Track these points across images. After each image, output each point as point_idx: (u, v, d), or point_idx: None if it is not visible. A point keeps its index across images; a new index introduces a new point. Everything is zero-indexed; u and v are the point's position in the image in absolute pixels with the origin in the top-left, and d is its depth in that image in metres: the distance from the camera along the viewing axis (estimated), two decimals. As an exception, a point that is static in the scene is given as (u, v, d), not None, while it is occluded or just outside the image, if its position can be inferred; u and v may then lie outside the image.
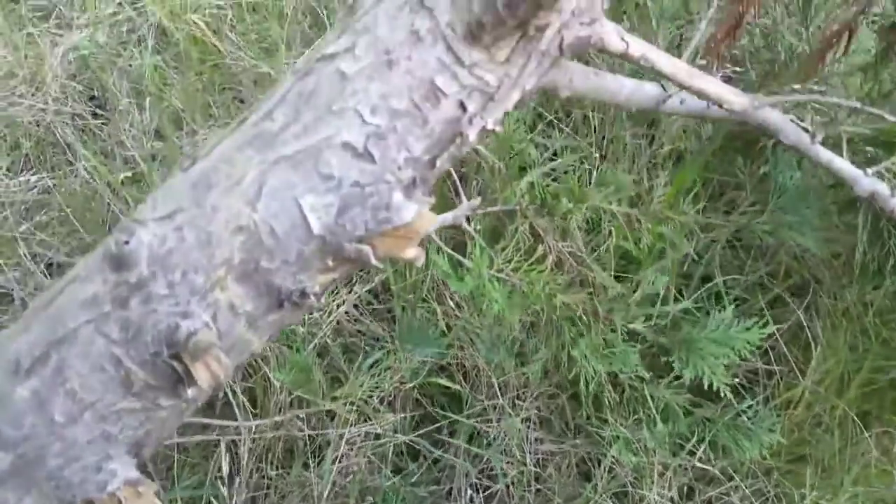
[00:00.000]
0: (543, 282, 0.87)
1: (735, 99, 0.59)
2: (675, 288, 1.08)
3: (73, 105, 1.40)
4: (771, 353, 1.07)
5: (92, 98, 1.43)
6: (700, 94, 0.59)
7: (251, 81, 1.31)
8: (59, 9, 1.54)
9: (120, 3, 1.50)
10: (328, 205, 0.49)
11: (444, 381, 1.08)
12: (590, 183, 1.04)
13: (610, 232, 0.97)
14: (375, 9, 0.49)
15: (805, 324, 1.05)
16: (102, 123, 1.39)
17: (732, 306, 0.85)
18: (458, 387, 1.10)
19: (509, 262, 0.89)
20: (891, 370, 1.04)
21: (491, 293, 0.82)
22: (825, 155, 0.66)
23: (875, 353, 1.02)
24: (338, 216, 0.50)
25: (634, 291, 0.98)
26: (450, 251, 0.86)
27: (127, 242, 0.49)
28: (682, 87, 0.59)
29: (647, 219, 0.88)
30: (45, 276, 1.18)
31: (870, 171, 0.68)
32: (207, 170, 0.50)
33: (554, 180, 0.99)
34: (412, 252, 0.51)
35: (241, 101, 1.33)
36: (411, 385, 1.07)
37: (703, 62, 0.66)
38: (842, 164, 0.67)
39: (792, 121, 0.63)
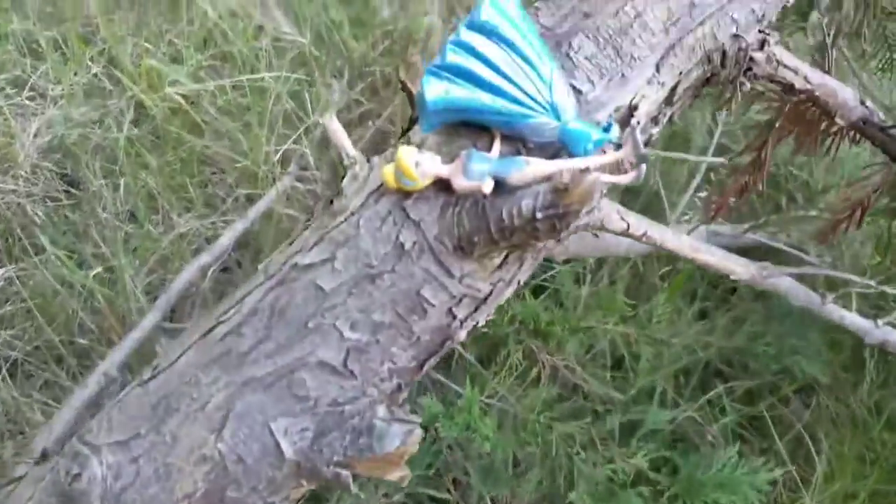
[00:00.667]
0: (538, 410, 0.82)
1: (741, 270, 0.55)
2: (675, 390, 1.04)
3: (45, 184, 1.34)
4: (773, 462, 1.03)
5: (64, 176, 1.37)
6: (705, 266, 0.55)
7: (230, 166, 1.26)
8: (33, 79, 1.48)
9: (95, 75, 1.45)
10: (303, 429, 0.44)
11: (433, 492, 1.03)
12: (584, 286, 1.00)
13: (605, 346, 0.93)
14: (357, 216, 0.44)
15: (805, 435, 1.00)
16: (75, 204, 1.33)
17: (737, 444, 0.80)
18: (447, 495, 1.05)
19: (503, 383, 0.85)
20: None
21: (482, 430, 0.78)
22: (836, 312, 0.63)
23: (882, 464, 0.98)
24: (314, 441, 0.45)
25: (633, 400, 0.94)
26: (442, 378, 0.82)
27: (78, 475, 0.43)
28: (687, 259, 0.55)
29: (643, 339, 0.83)
30: (8, 380, 1.12)
31: (880, 322, 0.65)
32: (169, 390, 0.45)
33: (547, 293, 0.95)
34: (397, 473, 0.46)
35: (213, 186, 1.28)
36: (397, 498, 1.02)
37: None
38: (852, 319, 0.64)
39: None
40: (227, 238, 1.02)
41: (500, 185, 0.40)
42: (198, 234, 1.23)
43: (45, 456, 0.57)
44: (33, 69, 1.40)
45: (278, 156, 1.21)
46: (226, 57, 1.37)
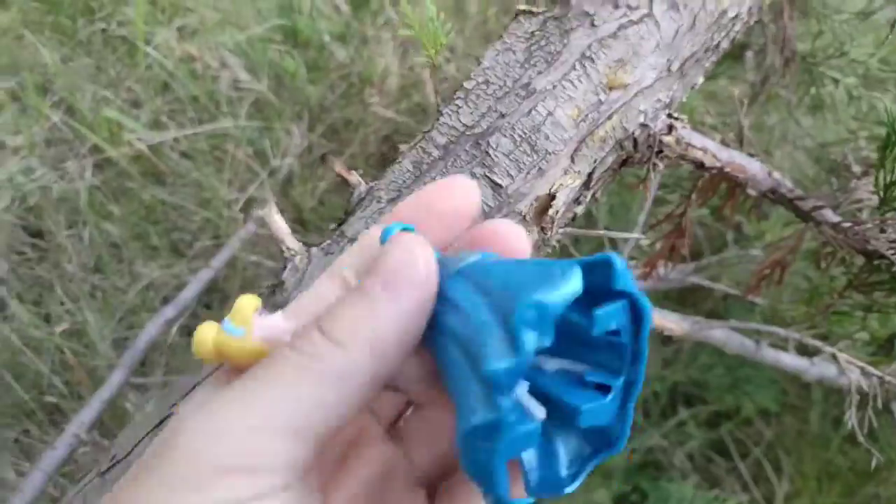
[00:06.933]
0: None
1: (676, 326, 0.58)
2: (643, 416, 1.06)
3: (9, 237, 1.34)
4: (737, 484, 1.06)
5: (27, 229, 1.37)
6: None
7: (194, 213, 1.27)
8: (-9, 132, 1.48)
9: (55, 125, 1.45)
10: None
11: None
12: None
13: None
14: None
15: (762, 458, 1.03)
16: (41, 257, 1.33)
17: (692, 476, 0.83)
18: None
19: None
20: (859, 492, 1.03)
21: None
22: (771, 356, 0.65)
23: (842, 479, 1.01)
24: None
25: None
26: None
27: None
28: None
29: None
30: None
31: (816, 359, 0.68)
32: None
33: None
34: None
35: (178, 232, 1.28)
36: None
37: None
38: (788, 361, 0.67)
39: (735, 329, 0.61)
40: (190, 291, 1.03)
41: None
42: (164, 283, 1.24)
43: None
44: (-8, 121, 1.40)
45: (241, 203, 1.22)
46: (184, 102, 1.38)
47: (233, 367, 0.26)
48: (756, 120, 0.90)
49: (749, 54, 0.86)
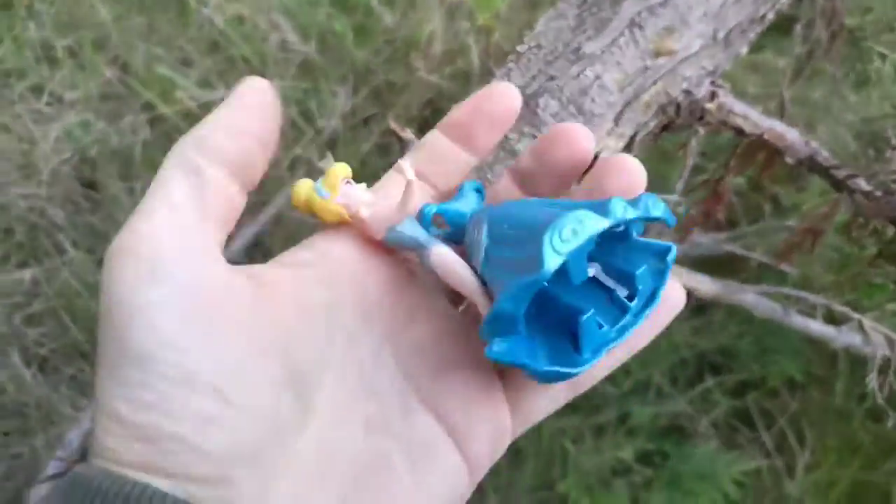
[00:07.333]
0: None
1: (707, 288, 0.60)
2: (671, 383, 1.09)
3: (65, 188, 1.41)
4: (759, 453, 1.08)
5: (81, 181, 1.44)
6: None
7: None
8: (51, 86, 1.54)
9: (109, 81, 1.50)
10: None
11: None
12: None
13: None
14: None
15: (786, 429, 1.05)
16: (94, 207, 1.40)
17: (714, 439, 0.86)
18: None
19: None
20: (880, 468, 1.05)
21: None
22: (799, 322, 0.67)
23: (863, 454, 1.03)
24: None
25: (632, 391, 0.99)
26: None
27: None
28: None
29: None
30: (38, 375, 1.19)
31: (844, 328, 0.70)
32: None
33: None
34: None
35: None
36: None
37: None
38: (816, 328, 0.69)
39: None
40: (235, 245, 1.08)
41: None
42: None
43: (83, 453, 0.63)
44: (50, 76, 1.46)
45: (287, 162, 1.26)
46: (234, 61, 1.42)
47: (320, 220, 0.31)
48: (801, 94, 0.90)
49: (798, 27, 0.86)
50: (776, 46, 0.90)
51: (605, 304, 0.30)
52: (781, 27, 0.86)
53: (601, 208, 0.26)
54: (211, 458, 0.24)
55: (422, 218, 0.31)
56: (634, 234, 0.30)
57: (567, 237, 0.24)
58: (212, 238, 0.28)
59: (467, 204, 0.32)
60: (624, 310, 0.29)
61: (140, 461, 0.24)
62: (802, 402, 1.09)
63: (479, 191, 0.33)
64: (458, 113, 0.33)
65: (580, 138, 0.31)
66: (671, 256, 0.30)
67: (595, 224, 0.25)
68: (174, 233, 0.27)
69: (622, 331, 0.29)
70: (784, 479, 1.01)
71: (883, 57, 0.72)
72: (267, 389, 0.26)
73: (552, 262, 0.24)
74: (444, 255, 0.30)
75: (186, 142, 0.28)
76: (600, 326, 0.29)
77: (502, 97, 0.33)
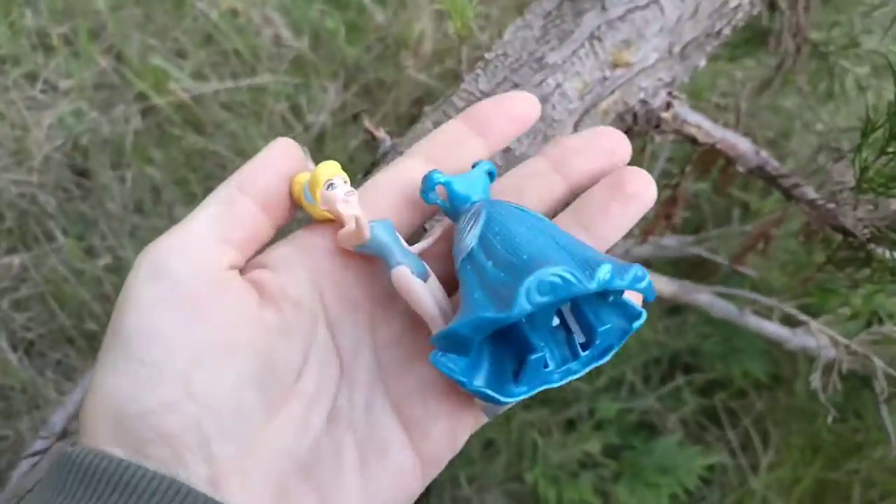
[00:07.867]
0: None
1: (664, 287, 0.63)
2: (643, 381, 1.12)
3: (56, 175, 1.43)
4: (725, 450, 1.12)
5: (73, 168, 1.45)
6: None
7: (231, 162, 1.34)
8: (45, 74, 1.56)
9: (104, 71, 1.52)
10: None
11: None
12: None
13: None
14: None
15: (750, 427, 1.08)
16: (84, 195, 1.41)
17: (679, 434, 0.89)
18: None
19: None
20: (842, 467, 1.08)
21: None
22: (754, 323, 0.70)
23: (825, 453, 1.06)
24: None
25: (604, 389, 1.02)
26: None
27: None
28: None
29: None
30: (25, 360, 1.21)
31: (798, 330, 0.73)
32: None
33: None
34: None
35: (215, 181, 1.35)
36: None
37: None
38: (772, 329, 0.72)
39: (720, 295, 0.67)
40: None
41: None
42: (200, 226, 1.32)
43: (65, 433, 0.66)
44: (45, 64, 1.47)
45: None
46: (227, 54, 1.44)
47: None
48: (773, 103, 0.94)
49: (770, 40, 0.89)
50: (753, 57, 0.93)
51: (560, 343, 0.30)
52: (756, 39, 0.89)
53: (589, 271, 0.25)
54: (166, 442, 0.27)
55: (427, 182, 0.32)
56: (612, 298, 0.30)
57: (545, 291, 0.24)
58: (224, 255, 0.31)
59: (473, 187, 0.32)
60: (575, 355, 0.30)
61: (107, 438, 0.27)
62: (768, 402, 1.12)
63: (490, 174, 0.34)
64: (482, 105, 0.36)
65: (530, 102, 0.36)
66: (638, 324, 0.30)
67: (576, 289, 0.25)
68: (186, 246, 0.30)
69: (565, 374, 0.30)
70: (749, 475, 1.05)
71: (846, 71, 0.75)
72: (231, 385, 0.29)
73: (521, 308, 0.25)
74: (404, 277, 0.31)
75: (231, 177, 0.32)
76: (546, 366, 0.29)
77: (525, 102, 0.36)
